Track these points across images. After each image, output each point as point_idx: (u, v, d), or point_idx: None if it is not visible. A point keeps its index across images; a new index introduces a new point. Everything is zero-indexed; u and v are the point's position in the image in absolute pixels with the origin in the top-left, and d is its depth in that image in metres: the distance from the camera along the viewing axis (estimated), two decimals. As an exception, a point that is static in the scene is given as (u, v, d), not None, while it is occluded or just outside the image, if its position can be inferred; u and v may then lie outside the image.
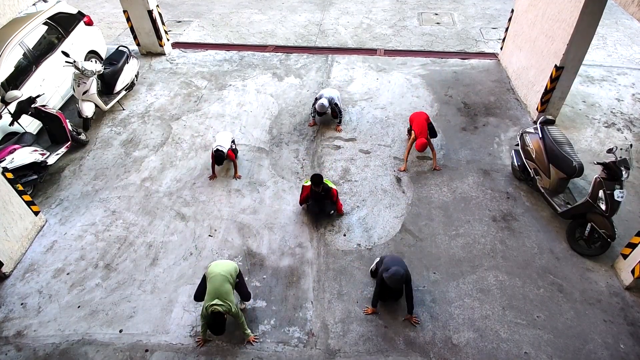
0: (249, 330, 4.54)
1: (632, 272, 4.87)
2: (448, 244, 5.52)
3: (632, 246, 4.90)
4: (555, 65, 6.71)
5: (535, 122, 7.22)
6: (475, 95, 8.19)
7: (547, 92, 7.03)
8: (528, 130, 6.13)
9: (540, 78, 7.21)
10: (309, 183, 5.53)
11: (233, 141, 6.60)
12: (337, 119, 7.38)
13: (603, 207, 4.99)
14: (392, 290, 4.63)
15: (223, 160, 6.24)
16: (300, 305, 4.91)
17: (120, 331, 4.71)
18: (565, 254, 5.37)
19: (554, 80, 6.83)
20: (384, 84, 8.58)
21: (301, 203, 5.87)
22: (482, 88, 8.39)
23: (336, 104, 7.20)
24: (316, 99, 7.18)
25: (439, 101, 8.05)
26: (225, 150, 6.22)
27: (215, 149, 6.19)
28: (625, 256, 5.02)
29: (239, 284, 4.56)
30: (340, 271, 5.25)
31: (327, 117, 7.58)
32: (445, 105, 7.94)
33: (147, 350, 4.53)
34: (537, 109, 7.32)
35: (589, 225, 5.25)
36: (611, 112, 7.66)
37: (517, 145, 6.28)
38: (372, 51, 9.77)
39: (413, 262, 5.30)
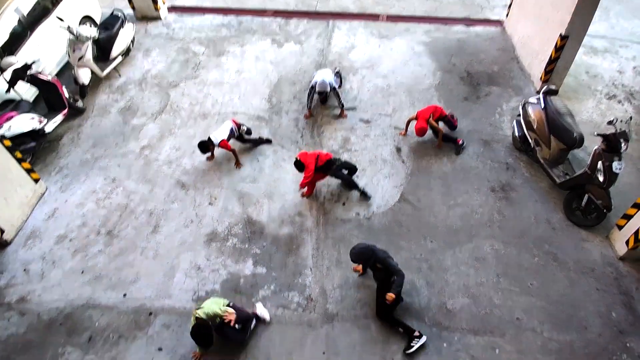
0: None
1: (627, 243, 4.94)
2: (446, 213, 5.57)
3: (628, 217, 4.96)
4: (560, 35, 6.55)
5: (538, 92, 7.13)
6: (479, 64, 8.03)
7: (552, 62, 6.89)
8: (530, 100, 6.06)
9: (545, 47, 7.04)
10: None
11: (240, 126, 6.26)
12: (334, 102, 7.01)
13: (601, 178, 5.01)
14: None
15: (207, 150, 6.02)
16: (300, 272, 5.02)
17: (124, 295, 4.84)
18: (562, 224, 5.44)
19: (558, 49, 6.69)
20: (386, 51, 8.39)
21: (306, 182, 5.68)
22: (486, 57, 8.22)
23: (334, 88, 6.79)
24: (312, 87, 6.80)
25: (442, 70, 7.91)
26: (216, 141, 5.95)
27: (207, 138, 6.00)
28: (620, 227, 5.09)
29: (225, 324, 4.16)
30: (339, 239, 5.33)
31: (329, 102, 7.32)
32: (448, 74, 7.81)
33: (151, 314, 4.67)
34: (540, 78, 7.20)
35: (586, 196, 5.29)
36: (613, 84, 7.55)
37: (519, 115, 6.23)
38: (374, 16, 9.48)
39: (411, 230, 5.38)
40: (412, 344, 4.28)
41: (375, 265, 4.41)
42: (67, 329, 4.57)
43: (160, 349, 4.40)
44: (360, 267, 4.91)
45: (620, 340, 4.40)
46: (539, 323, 4.53)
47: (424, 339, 4.30)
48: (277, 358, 4.32)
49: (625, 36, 8.81)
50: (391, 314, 4.47)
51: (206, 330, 3.99)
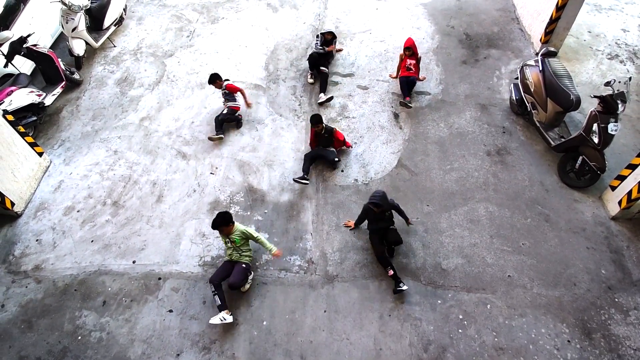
0: (272, 245, 4.77)
1: (619, 203, 5.04)
2: (442, 178, 5.69)
3: (622, 178, 5.03)
4: (563, -8, 6.41)
5: (537, 54, 7.05)
6: (478, 26, 7.89)
7: (552, 22, 6.77)
8: (529, 62, 6.02)
9: (547, 6, 6.89)
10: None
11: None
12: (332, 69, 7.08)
13: (596, 140, 5.06)
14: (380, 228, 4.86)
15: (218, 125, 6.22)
16: (301, 237, 5.21)
17: (134, 262, 5.06)
18: (555, 186, 5.55)
19: (560, 8, 6.55)
20: (383, 14, 8.22)
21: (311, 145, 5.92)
22: (485, 17, 8.06)
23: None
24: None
25: (440, 32, 7.78)
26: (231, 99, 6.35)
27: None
28: (613, 188, 5.18)
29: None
30: (338, 205, 5.48)
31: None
32: (447, 37, 7.69)
33: (160, 279, 4.91)
34: (540, 40, 7.10)
35: (580, 158, 5.36)
36: (616, 43, 7.43)
37: (517, 78, 6.20)
38: (371, -22, 9.19)
39: (408, 195, 5.51)
40: (400, 286, 4.61)
41: (384, 212, 4.73)
42: (82, 294, 4.82)
43: (170, 311, 4.67)
44: (351, 222, 5.19)
45: (608, 296, 4.60)
46: (529, 280, 4.75)
47: (406, 287, 4.61)
48: (281, 316, 4.58)
49: (632, -8, 8.56)
50: (391, 256, 4.89)
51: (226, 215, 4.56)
